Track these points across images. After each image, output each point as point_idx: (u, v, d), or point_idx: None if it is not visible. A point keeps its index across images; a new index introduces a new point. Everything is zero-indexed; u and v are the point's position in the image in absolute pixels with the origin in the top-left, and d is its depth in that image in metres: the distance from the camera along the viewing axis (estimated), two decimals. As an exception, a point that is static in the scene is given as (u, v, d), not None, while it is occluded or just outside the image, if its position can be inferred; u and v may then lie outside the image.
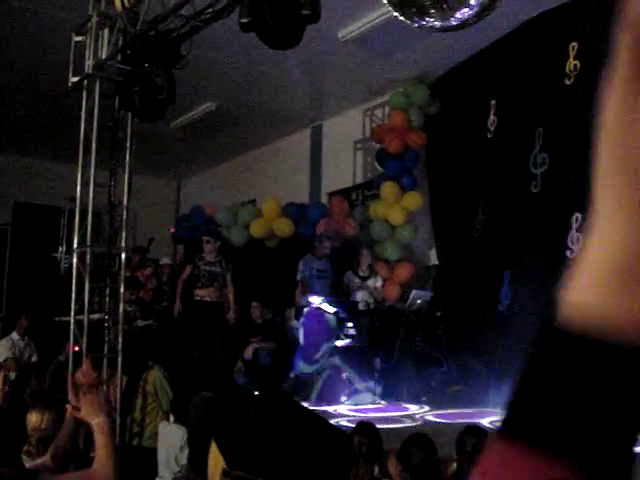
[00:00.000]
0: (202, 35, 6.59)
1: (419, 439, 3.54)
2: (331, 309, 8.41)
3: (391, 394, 8.12)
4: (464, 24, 4.23)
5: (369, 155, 11.02)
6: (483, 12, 4.12)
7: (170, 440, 5.69)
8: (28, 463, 3.82)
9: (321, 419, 4.56)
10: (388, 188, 9.80)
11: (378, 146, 10.32)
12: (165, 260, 10.83)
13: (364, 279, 9.40)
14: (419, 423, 6.53)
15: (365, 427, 3.96)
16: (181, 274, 9.27)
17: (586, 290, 0.49)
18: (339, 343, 8.39)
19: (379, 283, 9.45)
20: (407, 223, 9.72)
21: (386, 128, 10.16)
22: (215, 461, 4.57)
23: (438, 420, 6.79)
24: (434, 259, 9.94)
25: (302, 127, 12.29)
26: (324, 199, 11.61)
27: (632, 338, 0.47)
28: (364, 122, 11.20)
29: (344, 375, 8.13)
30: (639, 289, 0.47)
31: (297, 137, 12.52)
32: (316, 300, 8.43)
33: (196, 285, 8.79)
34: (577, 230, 7.16)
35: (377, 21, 8.36)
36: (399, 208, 9.67)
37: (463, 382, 8.01)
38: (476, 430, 3.58)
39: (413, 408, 7.49)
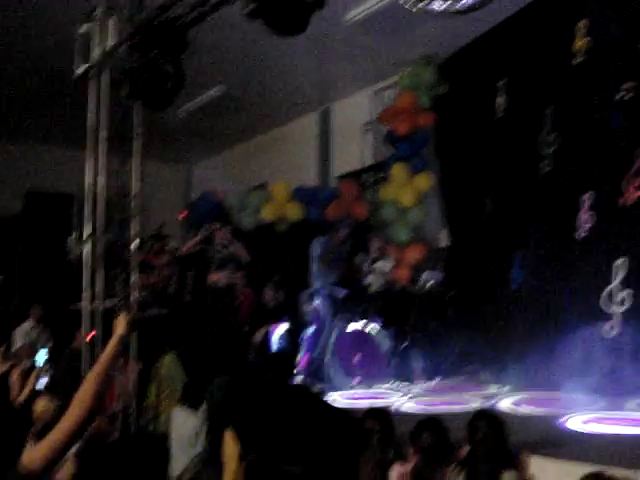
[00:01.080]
0: (209, 19, 6.58)
1: (430, 423, 3.56)
2: (340, 292, 8.44)
3: (404, 376, 8.16)
4: (469, 8, 4.22)
5: (378, 137, 10.98)
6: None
7: (184, 425, 5.74)
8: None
9: (331, 404, 4.62)
10: (398, 170, 9.79)
11: (387, 128, 10.30)
12: (173, 244, 10.85)
13: (374, 262, 9.40)
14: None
15: (377, 412, 3.99)
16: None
17: None
18: (351, 327, 8.43)
19: (389, 266, 9.45)
20: (417, 204, 9.71)
21: (395, 109, 10.13)
22: (231, 445, 4.64)
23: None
24: (445, 241, 9.92)
25: (311, 110, 12.28)
26: (334, 182, 11.61)
27: None
28: (373, 104, 11.16)
29: (357, 357, 8.19)
30: None
31: (306, 120, 12.50)
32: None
33: (209, 269, 8.81)
34: (588, 210, 7.14)
35: (384, 2, 8.33)
36: (409, 189, 9.66)
37: (474, 362, 8.02)
38: (487, 414, 3.60)
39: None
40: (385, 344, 8.42)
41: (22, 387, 6.74)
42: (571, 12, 7.63)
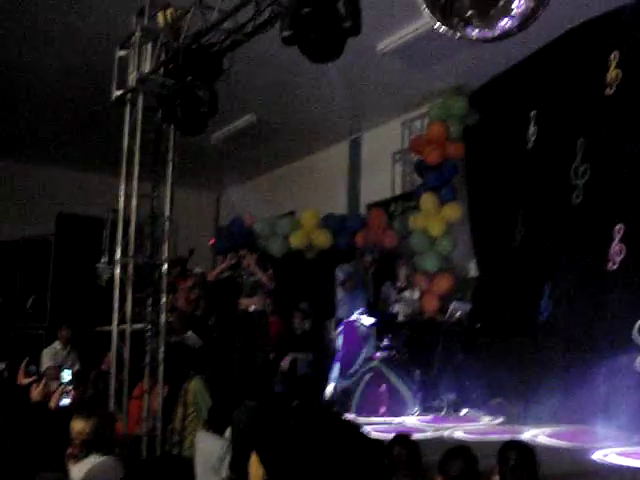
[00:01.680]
0: (243, 48, 6.68)
1: (460, 451, 3.52)
2: (368, 320, 8.41)
3: (430, 407, 8.09)
4: (506, 34, 4.23)
5: (408, 166, 11.01)
6: (525, 22, 4.12)
7: (209, 450, 5.73)
8: (71, 465, 3.94)
9: (359, 430, 4.58)
10: (427, 199, 9.79)
11: (417, 157, 10.32)
12: (198, 270, 10.93)
13: (402, 290, 9.38)
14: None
15: (403, 439, 3.96)
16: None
17: None
18: (378, 355, 8.39)
19: (416, 295, 9.43)
20: (446, 234, 9.69)
21: (425, 139, 10.15)
22: (256, 471, 4.61)
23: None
24: (473, 271, 9.87)
25: (341, 139, 12.35)
26: (363, 210, 11.64)
27: None
28: (403, 133, 11.21)
29: (382, 387, 8.12)
30: None
31: (336, 149, 12.57)
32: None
33: (238, 294, 8.88)
34: (619, 241, 7.08)
35: (416, 33, 8.38)
36: (438, 219, 9.65)
37: (502, 395, 7.93)
38: (518, 443, 3.56)
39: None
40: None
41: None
42: (603, 44, 7.64)
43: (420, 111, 10.76)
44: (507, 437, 5.23)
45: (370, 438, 4.28)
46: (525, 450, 3.49)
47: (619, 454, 4.87)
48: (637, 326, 6.63)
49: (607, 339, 6.84)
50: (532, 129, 8.63)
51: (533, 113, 8.64)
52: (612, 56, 7.57)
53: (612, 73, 7.55)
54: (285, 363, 8.64)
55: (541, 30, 7.79)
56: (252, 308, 8.82)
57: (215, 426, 5.86)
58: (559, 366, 7.26)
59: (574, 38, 8.03)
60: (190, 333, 8.39)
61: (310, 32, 4.61)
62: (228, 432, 5.78)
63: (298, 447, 4.30)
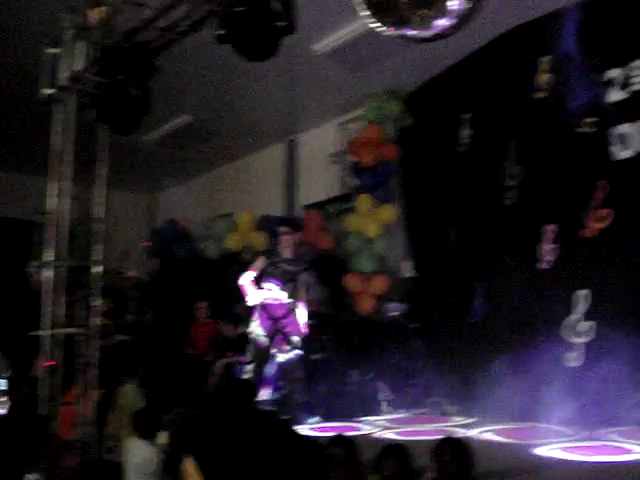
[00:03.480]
0: (178, 48, 6.58)
1: (394, 450, 3.53)
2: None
3: (367, 408, 8.10)
4: (442, 35, 4.26)
5: (344, 168, 11.04)
6: (461, 22, 4.16)
7: (139, 455, 5.60)
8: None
9: (295, 431, 4.56)
10: (363, 201, 9.84)
11: (353, 159, 10.36)
12: (131, 273, 10.78)
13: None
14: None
15: (341, 439, 3.95)
16: (251, 268, 7.76)
17: None
18: (312, 357, 8.37)
19: None
20: (382, 235, 9.75)
21: (361, 141, 10.21)
22: (192, 474, 4.54)
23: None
24: (409, 271, 9.96)
25: (278, 140, 12.31)
26: (299, 212, 11.62)
27: None
28: (339, 135, 11.23)
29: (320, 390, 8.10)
30: None
31: (273, 150, 12.53)
32: None
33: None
34: (550, 242, 7.23)
35: (352, 34, 8.40)
36: (374, 220, 9.70)
37: (440, 394, 8.01)
38: (452, 440, 3.59)
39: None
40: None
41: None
42: (533, 48, 7.80)
43: (356, 113, 10.80)
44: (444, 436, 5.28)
45: (307, 438, 4.27)
46: (459, 446, 3.52)
47: (563, 449, 4.96)
48: (568, 323, 6.79)
49: (539, 337, 6.99)
50: (465, 131, 8.75)
51: (466, 116, 8.77)
52: (542, 60, 7.75)
53: (542, 77, 7.72)
54: (219, 366, 8.54)
55: (474, 34, 7.92)
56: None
57: (141, 431, 5.71)
58: (493, 364, 7.37)
59: (506, 42, 8.19)
60: (120, 336, 8.24)
61: (243, 31, 4.57)
62: (163, 437, 5.69)
63: (233, 449, 4.26)
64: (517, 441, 5.70)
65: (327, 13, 8.16)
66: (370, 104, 10.23)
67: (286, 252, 7.43)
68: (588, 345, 6.56)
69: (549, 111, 7.48)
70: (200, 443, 4.68)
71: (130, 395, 6.88)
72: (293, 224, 8.15)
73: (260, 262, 7.51)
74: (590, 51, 7.16)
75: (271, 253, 7.84)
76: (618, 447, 5.23)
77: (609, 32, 6.90)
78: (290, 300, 7.62)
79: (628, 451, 5.05)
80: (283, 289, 7.61)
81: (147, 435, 5.57)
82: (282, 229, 7.21)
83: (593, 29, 7.10)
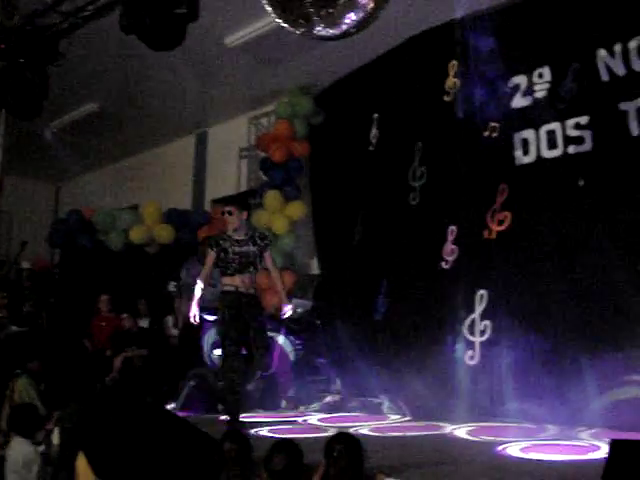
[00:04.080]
0: (86, 34, 6.43)
1: (283, 446, 3.53)
2: (211, 317, 8.31)
3: (271, 402, 8.09)
4: (347, 33, 4.30)
5: (254, 163, 11.00)
6: (365, 22, 4.20)
7: (18, 451, 5.39)
8: None
9: (191, 426, 4.51)
10: (271, 197, 9.82)
11: (263, 154, 10.33)
12: (26, 264, 10.47)
13: None
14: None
15: (234, 434, 3.93)
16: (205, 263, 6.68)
17: None
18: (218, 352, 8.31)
19: None
20: (289, 232, 9.75)
21: (271, 137, 10.19)
22: (84, 470, 4.44)
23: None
24: (316, 268, 10.00)
25: (187, 133, 12.18)
26: (208, 206, 11.52)
27: None
28: (249, 130, 11.19)
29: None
30: None
31: (182, 143, 12.39)
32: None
33: (226, 273, 6.44)
34: (452, 243, 7.37)
35: (264, 29, 8.37)
36: (282, 217, 9.70)
37: (344, 391, 8.08)
38: (344, 436, 3.60)
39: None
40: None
41: None
42: (442, 52, 7.93)
43: (267, 108, 10.78)
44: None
45: (201, 434, 4.22)
46: (351, 441, 3.54)
47: (522, 449, 5.04)
48: (467, 322, 6.95)
49: (439, 335, 7.13)
50: (374, 131, 8.83)
51: (375, 116, 8.85)
52: (450, 64, 7.88)
53: (450, 81, 7.85)
54: (118, 361, 8.37)
55: (387, 35, 8.04)
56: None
57: (20, 429, 5.45)
58: (396, 362, 7.47)
59: (415, 45, 8.29)
60: (15, 328, 7.98)
61: (146, 19, 4.48)
62: (55, 433, 5.52)
63: (125, 445, 4.19)
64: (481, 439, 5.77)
65: (240, 7, 8.12)
66: (281, 100, 10.23)
67: (237, 233, 6.39)
68: (483, 344, 6.72)
69: (454, 115, 7.62)
70: (91, 439, 4.58)
71: (22, 389, 6.67)
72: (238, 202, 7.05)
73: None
74: (496, 57, 7.33)
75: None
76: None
77: (515, 39, 7.07)
78: None
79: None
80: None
81: (25, 433, 5.35)
82: (226, 208, 6.41)
83: (500, 36, 7.27)
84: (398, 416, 7.17)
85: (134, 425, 4.24)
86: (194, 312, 6.15)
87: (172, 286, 8.51)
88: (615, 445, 2.54)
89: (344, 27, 4.21)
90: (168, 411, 5.80)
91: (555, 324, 6.23)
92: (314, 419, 7.12)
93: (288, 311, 6.49)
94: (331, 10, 3.97)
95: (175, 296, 8.62)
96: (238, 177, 11.33)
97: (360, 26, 4.07)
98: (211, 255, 6.29)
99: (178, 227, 10.38)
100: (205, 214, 10.80)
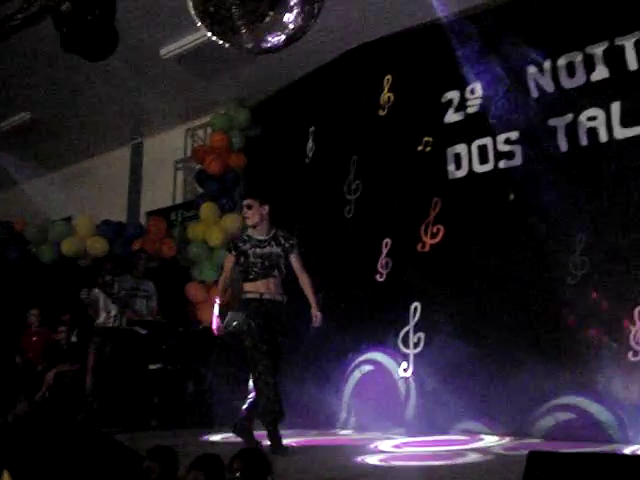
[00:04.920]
0: (15, 42, 6.28)
1: (200, 461, 3.43)
2: (143, 331, 8.20)
3: (204, 420, 7.98)
4: (276, 47, 4.29)
5: (189, 175, 10.91)
6: (293, 37, 4.19)
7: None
8: None
9: (116, 443, 4.42)
10: (207, 209, 9.75)
11: (199, 166, 10.26)
12: None
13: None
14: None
15: (160, 451, 3.82)
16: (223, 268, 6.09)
17: None
18: (152, 366, 8.19)
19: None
20: (225, 244, 9.67)
21: (207, 149, 10.14)
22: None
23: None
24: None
25: (122, 144, 12.01)
26: (143, 218, 11.37)
27: None
28: (185, 142, 11.11)
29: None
30: None
31: (117, 154, 12.21)
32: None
33: (247, 278, 5.81)
34: (386, 255, 7.42)
35: (199, 41, 8.32)
36: (218, 229, 9.63)
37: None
38: (245, 453, 3.48)
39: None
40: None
41: None
42: (377, 67, 8.01)
43: (203, 120, 10.72)
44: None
45: (126, 451, 4.13)
46: (251, 458, 3.38)
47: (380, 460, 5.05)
48: (401, 335, 6.99)
49: (374, 348, 7.16)
50: (310, 144, 8.85)
51: (312, 129, 8.87)
52: (386, 79, 7.96)
53: (385, 96, 7.93)
54: (50, 376, 8.18)
55: (323, 48, 8.10)
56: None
57: None
58: (333, 375, 7.47)
59: (351, 59, 8.36)
60: None
61: (63, 27, 4.39)
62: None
63: (52, 462, 4.09)
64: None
65: (175, 18, 8.04)
66: (217, 112, 10.19)
67: (257, 232, 5.84)
68: (416, 356, 6.77)
69: (388, 129, 7.69)
70: (16, 457, 4.46)
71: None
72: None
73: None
74: (429, 72, 7.44)
75: None
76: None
77: (448, 55, 7.17)
78: None
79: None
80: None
81: None
82: (245, 202, 5.84)
83: (432, 51, 7.38)
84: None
85: (58, 443, 4.14)
86: (216, 325, 5.83)
87: (84, 293, 8.33)
88: (532, 457, 2.58)
89: (269, 44, 4.21)
90: (97, 429, 5.68)
91: (488, 335, 6.31)
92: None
93: (320, 319, 5.93)
94: (257, 25, 3.95)
95: (87, 304, 8.41)
96: (174, 189, 11.22)
97: (286, 44, 4.07)
98: (229, 259, 5.71)
99: (112, 239, 10.19)
100: (140, 226, 10.64)
